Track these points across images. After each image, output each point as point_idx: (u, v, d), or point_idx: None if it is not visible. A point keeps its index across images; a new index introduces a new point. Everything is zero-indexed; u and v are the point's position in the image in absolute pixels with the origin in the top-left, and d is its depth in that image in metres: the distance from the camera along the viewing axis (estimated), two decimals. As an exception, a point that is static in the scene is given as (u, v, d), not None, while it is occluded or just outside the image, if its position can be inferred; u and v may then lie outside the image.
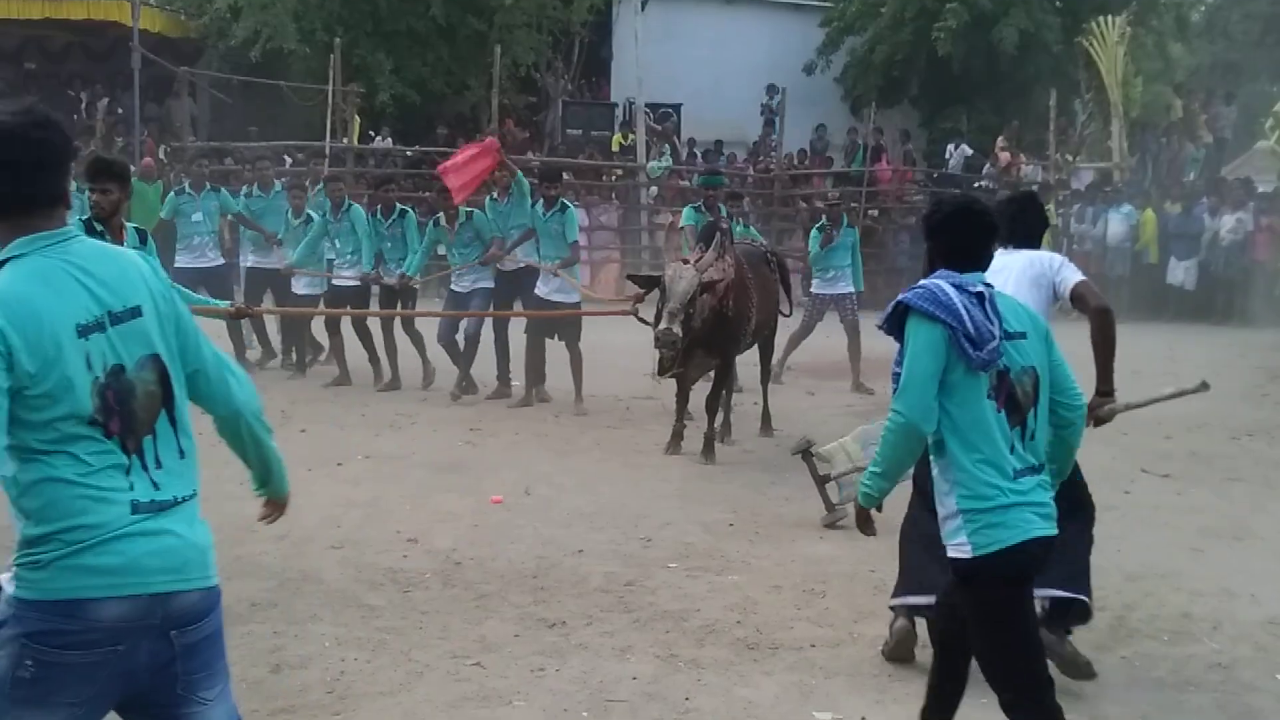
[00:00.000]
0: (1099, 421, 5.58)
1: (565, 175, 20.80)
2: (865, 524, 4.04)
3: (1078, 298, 5.29)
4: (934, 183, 22.19)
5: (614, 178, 21.60)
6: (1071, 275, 5.29)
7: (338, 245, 11.61)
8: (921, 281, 3.83)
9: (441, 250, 11.67)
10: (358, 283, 11.55)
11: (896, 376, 3.75)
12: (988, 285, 3.80)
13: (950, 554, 3.76)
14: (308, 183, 13.34)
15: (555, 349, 10.73)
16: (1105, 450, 9.10)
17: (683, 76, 24.15)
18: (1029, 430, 3.75)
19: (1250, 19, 29.75)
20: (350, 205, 11.56)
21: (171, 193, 11.80)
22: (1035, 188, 20.46)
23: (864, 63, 24.96)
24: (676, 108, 23.96)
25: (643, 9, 21.84)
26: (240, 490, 7.76)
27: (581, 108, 24.31)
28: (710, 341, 8.79)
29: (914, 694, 4.95)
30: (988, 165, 22.09)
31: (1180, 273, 19.02)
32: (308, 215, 11.84)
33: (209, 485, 7.77)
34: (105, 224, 6.46)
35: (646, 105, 21.90)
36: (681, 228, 11.34)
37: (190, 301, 6.61)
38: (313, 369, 12.13)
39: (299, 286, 11.86)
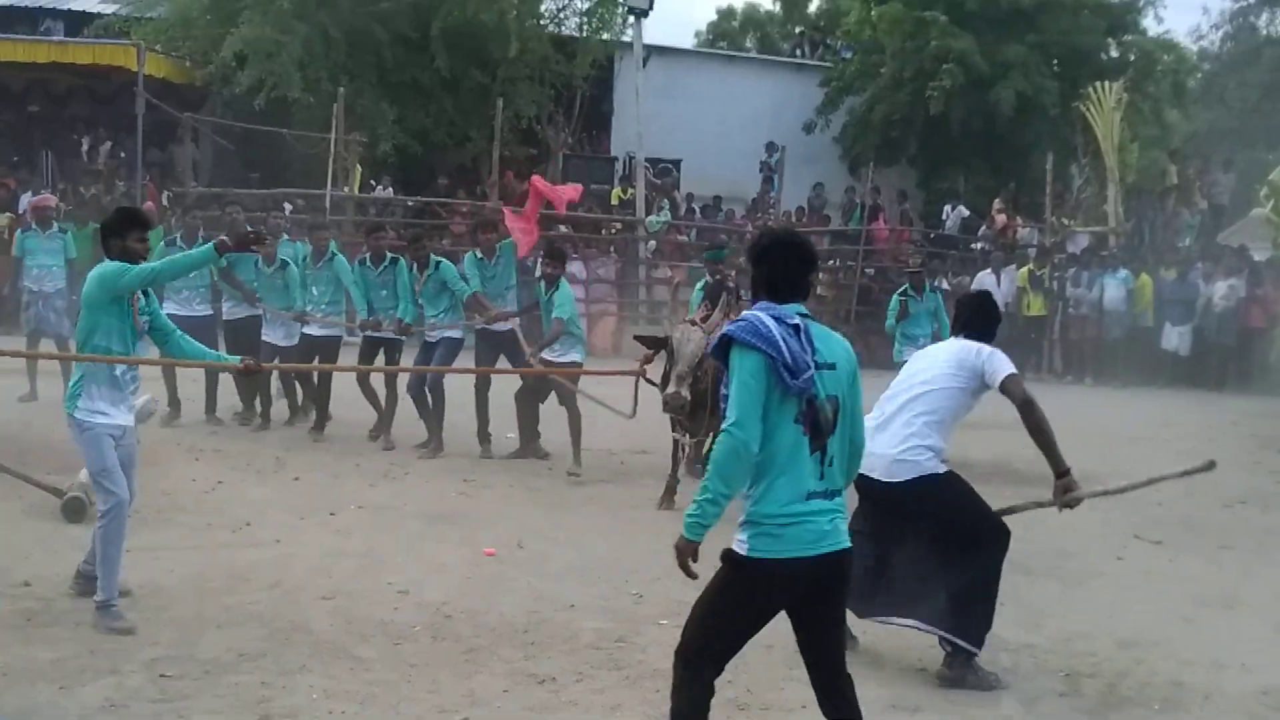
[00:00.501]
0: (1066, 506, 5.82)
1: (563, 228, 21.11)
2: (689, 561, 4.18)
3: (1005, 391, 5.70)
4: (930, 243, 22.28)
5: (613, 231, 21.72)
6: (1002, 368, 5.73)
7: (314, 293, 11.29)
8: (744, 313, 4.14)
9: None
10: (334, 332, 11.42)
11: (725, 398, 4.06)
12: (804, 315, 4.09)
13: (733, 545, 4.12)
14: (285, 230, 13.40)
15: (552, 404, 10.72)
16: (1097, 516, 9.13)
17: (683, 132, 24.36)
18: (828, 456, 4.09)
19: (1247, 86, 30.10)
20: (334, 254, 11.34)
21: (162, 243, 11.41)
22: (1032, 251, 20.67)
23: (862, 122, 25.22)
24: (676, 163, 24.15)
25: (644, 65, 22.06)
26: (232, 538, 7.80)
27: (582, 161, 24.48)
28: (717, 402, 8.70)
29: (904, 757, 4.93)
30: (984, 227, 22.24)
31: (1175, 338, 19.08)
32: (281, 261, 11.47)
33: (200, 533, 7.83)
34: None
35: (646, 160, 22.07)
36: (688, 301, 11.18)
37: (201, 356, 6.63)
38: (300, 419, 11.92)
39: (276, 337, 11.46)
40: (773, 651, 6.09)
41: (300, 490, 9.14)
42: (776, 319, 4.03)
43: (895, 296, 12.21)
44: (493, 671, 5.66)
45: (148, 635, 5.87)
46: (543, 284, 10.63)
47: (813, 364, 4.01)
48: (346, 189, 20.11)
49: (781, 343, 3.97)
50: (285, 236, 12.82)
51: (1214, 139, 28.18)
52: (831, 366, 4.08)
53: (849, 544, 4.13)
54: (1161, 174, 23.22)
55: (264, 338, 11.50)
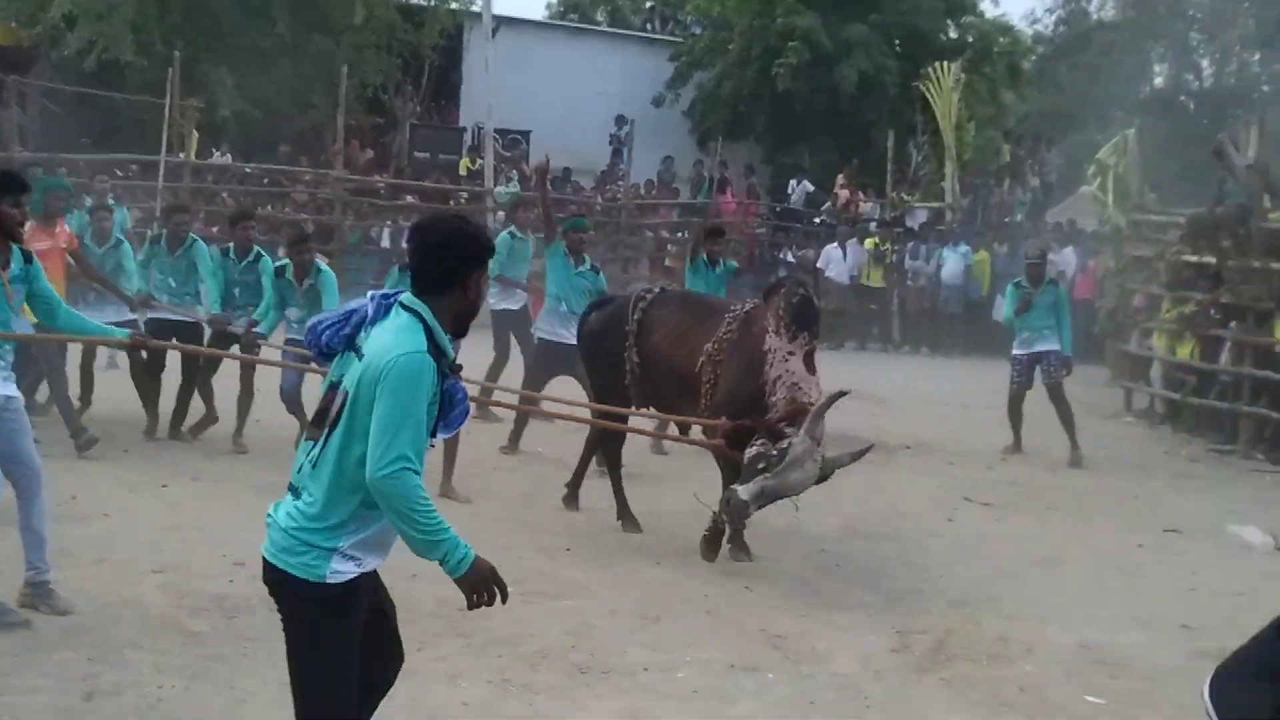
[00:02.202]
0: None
1: (410, 198, 20.80)
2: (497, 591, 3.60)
3: None
4: (777, 216, 22.75)
5: (461, 202, 21.50)
6: None
7: (172, 284, 9.90)
8: None
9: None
10: (192, 317, 9.89)
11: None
12: (385, 299, 3.52)
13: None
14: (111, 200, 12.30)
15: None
16: (932, 479, 9.44)
17: (532, 104, 24.19)
18: (313, 454, 3.49)
19: (1077, 69, 31.34)
20: (194, 241, 9.98)
21: (148, 242, 10.21)
22: (874, 225, 21.19)
23: (711, 97, 25.49)
24: (525, 134, 23.99)
25: (494, 35, 21.81)
26: (57, 512, 7.48)
27: (430, 131, 24.12)
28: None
29: (744, 717, 5.04)
30: (828, 202, 22.75)
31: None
32: (115, 240, 10.11)
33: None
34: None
35: (495, 131, 21.88)
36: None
37: (88, 330, 6.19)
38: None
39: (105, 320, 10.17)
40: (617, 617, 6.17)
41: (129, 461, 8.83)
42: (374, 296, 3.59)
43: (1011, 288, 11.65)
44: (332, 643, 5.56)
45: (-36, 614, 5.60)
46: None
47: (334, 342, 3.52)
48: (183, 155, 19.42)
49: (338, 315, 3.55)
50: (112, 199, 12.12)
51: (1046, 120, 29.26)
52: (360, 358, 3.44)
53: (266, 554, 3.53)
54: (996, 153, 24.05)
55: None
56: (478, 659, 5.49)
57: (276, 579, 3.51)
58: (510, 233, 11.66)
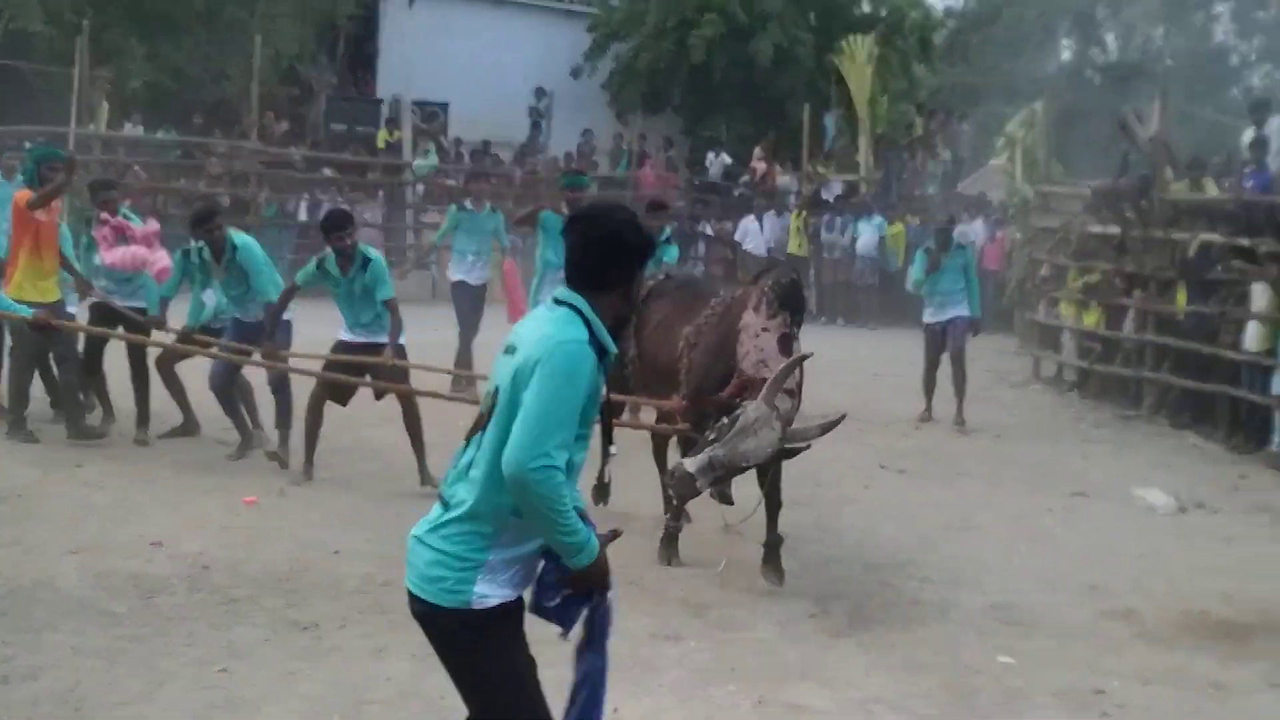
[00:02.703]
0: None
1: (327, 171, 20.53)
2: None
3: None
4: (695, 189, 22.83)
5: (379, 175, 21.29)
6: None
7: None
8: None
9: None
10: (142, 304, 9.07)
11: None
12: (561, 302, 3.26)
13: None
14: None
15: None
16: (849, 447, 9.60)
17: (450, 75, 23.94)
18: (466, 459, 3.28)
19: (988, 43, 31.79)
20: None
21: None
22: (792, 198, 21.36)
23: (629, 70, 25.40)
24: (443, 106, 23.76)
25: (410, 5, 21.58)
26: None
27: (346, 102, 23.79)
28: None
29: (666, 686, 5.12)
30: (745, 175, 22.89)
31: (916, 279, 20.12)
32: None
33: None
34: None
35: (413, 102, 21.67)
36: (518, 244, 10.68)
37: None
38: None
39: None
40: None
41: (43, 444, 8.65)
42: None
43: (920, 252, 11.72)
44: (253, 621, 5.56)
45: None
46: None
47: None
48: (93, 127, 18.95)
49: None
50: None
51: (957, 93, 29.65)
52: (512, 352, 3.24)
53: (410, 585, 3.29)
54: (909, 126, 24.32)
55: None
56: (401, 634, 5.47)
57: (422, 611, 3.28)
58: (459, 205, 11.67)
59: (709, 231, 21.66)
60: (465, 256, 11.59)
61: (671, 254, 10.10)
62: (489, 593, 3.19)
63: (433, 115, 23.05)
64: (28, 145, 17.55)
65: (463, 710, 4.65)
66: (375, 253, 8.24)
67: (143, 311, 9.01)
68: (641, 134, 22.96)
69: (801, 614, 6.07)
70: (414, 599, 3.28)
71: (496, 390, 3.22)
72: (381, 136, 22.33)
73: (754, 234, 20.30)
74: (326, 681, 4.95)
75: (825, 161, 22.74)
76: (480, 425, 3.25)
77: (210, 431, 9.21)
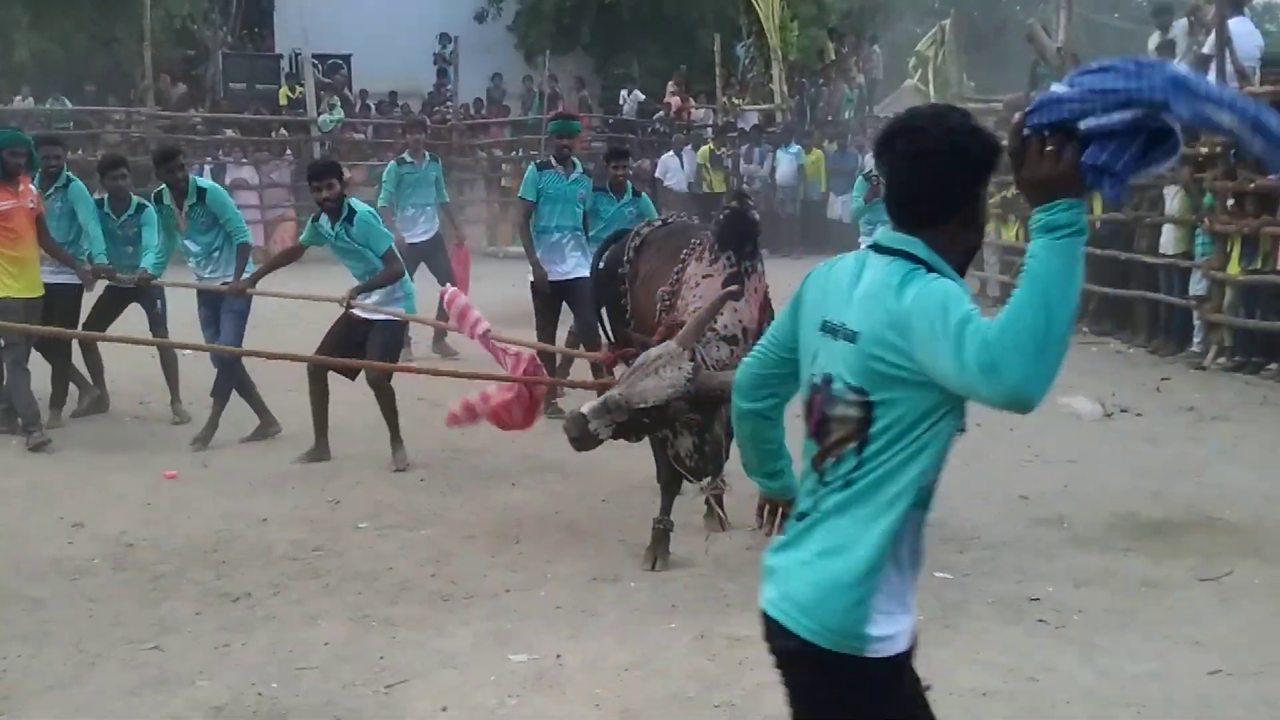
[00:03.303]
0: None
1: (229, 132, 20.03)
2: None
3: None
4: (610, 128, 22.60)
5: (283, 133, 20.82)
6: None
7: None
8: None
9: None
10: (68, 279, 8.45)
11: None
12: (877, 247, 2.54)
13: None
14: None
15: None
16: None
17: (351, 26, 23.41)
18: (841, 468, 2.49)
19: (894, -36, 31.67)
20: (70, 180, 8.63)
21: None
22: (709, 131, 21.24)
23: (535, 10, 25.05)
24: (346, 59, 23.24)
25: (304, -44, 21.02)
26: None
27: (244, 60, 23.19)
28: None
29: (606, 628, 5.09)
30: (660, 111, 22.68)
31: (839, 207, 20.16)
32: None
33: None
34: None
35: (314, 56, 21.16)
36: (522, 197, 9.06)
37: None
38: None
39: None
40: (475, 541, 6.15)
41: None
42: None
43: (860, 177, 11.00)
44: (182, 596, 5.43)
45: None
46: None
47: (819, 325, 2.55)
48: (-21, 101, 18.30)
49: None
50: None
51: (867, 15, 29.56)
52: (834, 333, 2.49)
53: (776, 614, 2.51)
54: (820, 51, 24.24)
55: None
56: (336, 598, 5.41)
57: (793, 649, 2.49)
58: (399, 159, 10.90)
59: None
60: (407, 212, 10.72)
61: (648, 207, 9.11)
62: (887, 631, 2.44)
63: (335, 68, 22.56)
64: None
65: (399, 671, 4.62)
66: (362, 205, 7.70)
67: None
68: (552, 75, 22.63)
69: (738, 547, 6.04)
70: (779, 630, 2.52)
71: (839, 382, 2.46)
72: (283, 93, 21.83)
73: (674, 170, 20.17)
74: (261, 650, 4.84)
75: (739, 92, 22.60)
76: (829, 433, 2.48)
77: (122, 406, 9.00)
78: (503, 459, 7.61)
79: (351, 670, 4.66)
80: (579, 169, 9.03)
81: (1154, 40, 13.38)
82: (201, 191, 8.13)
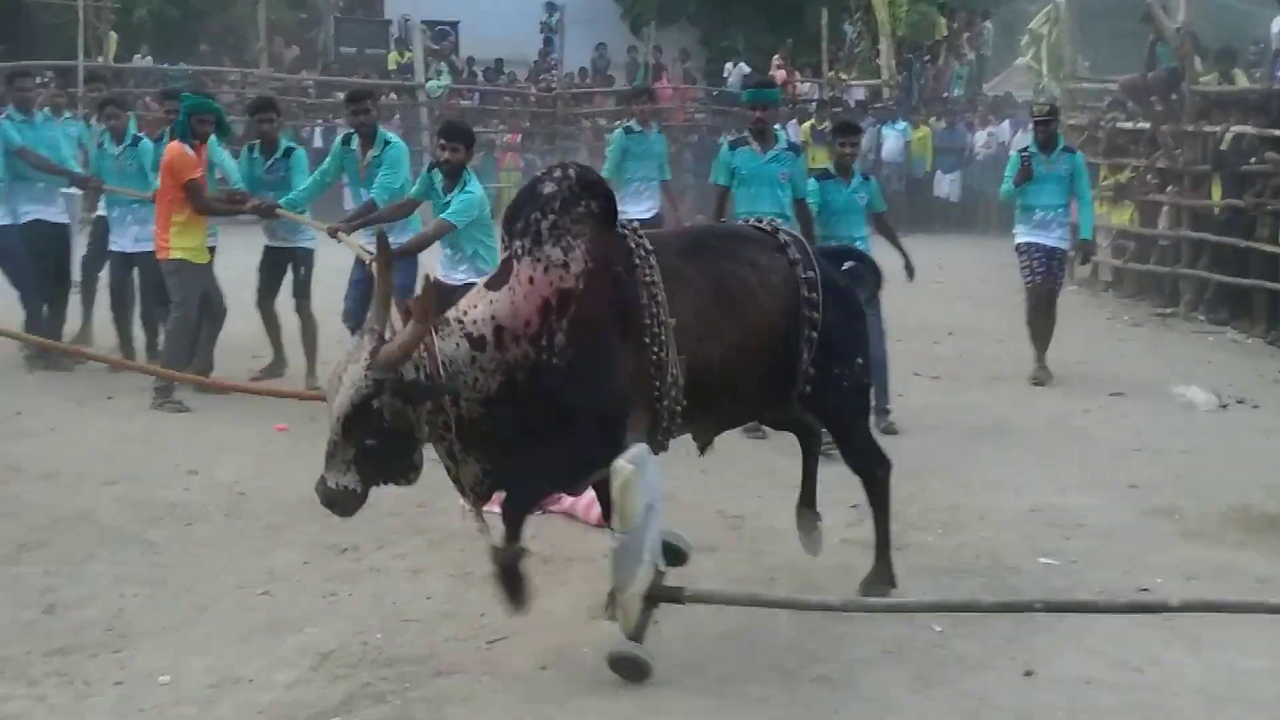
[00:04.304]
0: None
1: (340, 95, 20.28)
2: None
3: None
4: (715, 100, 22.48)
5: (392, 98, 21.06)
6: None
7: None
8: None
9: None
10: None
11: None
12: None
13: None
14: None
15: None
16: (880, 356, 9.48)
17: (459, -8, 23.62)
18: None
19: (1008, -60, 30.93)
20: (141, 139, 8.92)
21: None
22: (813, 105, 21.02)
23: (641, -19, 25.00)
24: (454, 25, 23.45)
25: (416, -79, 21.20)
26: (2, 428, 7.36)
27: (355, 24, 23.53)
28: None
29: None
30: (765, 83, 22.51)
31: (945, 185, 19.90)
32: (134, 137, 9.01)
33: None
34: None
35: (423, 22, 21.36)
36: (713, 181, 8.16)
37: None
38: None
39: (126, 242, 8.89)
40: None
41: (72, 378, 8.66)
42: None
43: (1015, 155, 9.61)
44: (292, 545, 5.56)
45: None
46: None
47: None
48: (101, 59, 18.77)
49: None
50: (47, 111, 9.93)
51: (980, -8, 29.00)
52: None
53: None
54: (931, 27, 23.81)
55: (113, 245, 8.97)
56: (439, 554, 5.50)
57: None
58: (626, 128, 9.95)
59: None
60: (631, 185, 9.70)
61: (877, 194, 8.09)
62: None
63: (443, 34, 22.76)
64: (39, 79, 17.45)
65: (499, 629, 4.69)
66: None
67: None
68: (657, 46, 22.59)
69: (839, 522, 6.01)
70: None
71: None
72: (392, 58, 22.10)
73: (776, 143, 19.98)
74: (367, 601, 4.95)
75: (846, 67, 22.33)
76: None
77: (236, 362, 9.20)
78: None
79: (453, 625, 4.74)
80: (782, 143, 7.93)
81: (1278, 23, 12.93)
82: (386, 143, 7.89)
